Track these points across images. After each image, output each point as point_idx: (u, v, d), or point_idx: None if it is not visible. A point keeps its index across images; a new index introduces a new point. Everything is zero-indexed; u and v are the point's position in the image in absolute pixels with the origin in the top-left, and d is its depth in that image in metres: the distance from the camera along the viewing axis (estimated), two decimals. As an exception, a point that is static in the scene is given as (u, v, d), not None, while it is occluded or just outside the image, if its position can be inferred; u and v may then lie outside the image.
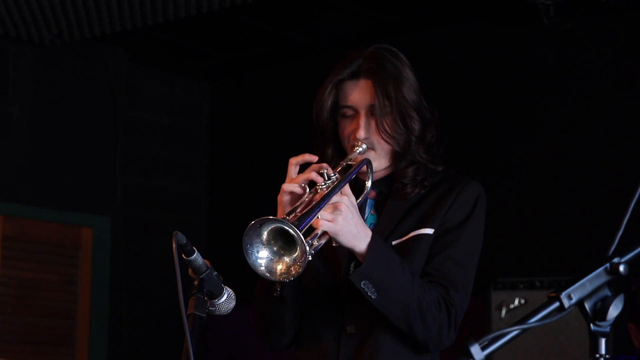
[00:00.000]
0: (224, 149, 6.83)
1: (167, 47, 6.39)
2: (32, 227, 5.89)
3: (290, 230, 2.13)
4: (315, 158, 2.41)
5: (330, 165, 2.44)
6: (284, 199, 2.38)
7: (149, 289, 6.42)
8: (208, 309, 2.14)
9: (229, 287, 2.20)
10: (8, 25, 5.48)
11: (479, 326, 4.99)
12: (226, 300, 2.18)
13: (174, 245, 2.06)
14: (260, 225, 2.17)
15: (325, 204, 2.26)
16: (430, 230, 2.46)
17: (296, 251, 2.17)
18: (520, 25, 5.49)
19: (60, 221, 6.00)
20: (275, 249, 2.20)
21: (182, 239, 2.07)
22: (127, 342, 6.29)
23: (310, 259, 2.16)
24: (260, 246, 2.19)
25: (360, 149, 2.48)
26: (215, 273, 2.16)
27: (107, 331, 6.10)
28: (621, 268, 1.69)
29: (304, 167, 2.42)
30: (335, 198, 2.29)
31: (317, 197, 2.29)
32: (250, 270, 2.22)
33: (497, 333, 1.59)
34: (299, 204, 2.31)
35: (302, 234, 2.13)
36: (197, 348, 2.02)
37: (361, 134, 2.49)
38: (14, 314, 5.73)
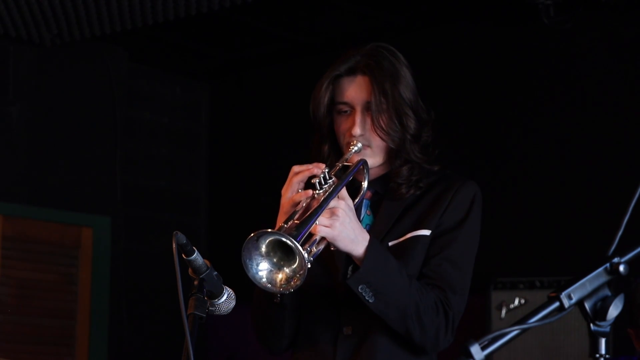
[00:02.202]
0: (224, 149, 6.83)
1: (167, 47, 6.38)
2: (32, 227, 5.88)
3: (289, 242, 2.13)
4: (318, 168, 2.36)
5: (326, 163, 2.44)
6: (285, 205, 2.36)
7: (149, 289, 6.41)
8: (208, 309, 2.14)
9: (229, 287, 2.20)
10: (8, 25, 5.48)
11: (479, 326, 4.98)
12: (226, 300, 2.18)
13: (174, 245, 2.06)
14: (258, 239, 2.16)
15: (322, 211, 2.25)
16: (427, 232, 2.45)
17: (296, 261, 2.16)
18: (520, 25, 5.49)
19: (60, 221, 5.99)
20: (275, 260, 2.19)
21: (182, 239, 2.06)
22: (127, 342, 6.28)
23: (309, 266, 2.16)
24: (260, 259, 2.18)
25: (356, 148, 2.47)
26: (215, 273, 2.15)
27: (107, 331, 6.10)
28: (621, 268, 1.69)
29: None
30: (332, 203, 2.28)
31: (315, 203, 2.28)
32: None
33: (497, 333, 1.59)
34: (297, 209, 2.30)
35: (300, 244, 2.13)
36: (197, 348, 2.02)
37: (357, 130, 2.47)
38: (14, 314, 5.72)
